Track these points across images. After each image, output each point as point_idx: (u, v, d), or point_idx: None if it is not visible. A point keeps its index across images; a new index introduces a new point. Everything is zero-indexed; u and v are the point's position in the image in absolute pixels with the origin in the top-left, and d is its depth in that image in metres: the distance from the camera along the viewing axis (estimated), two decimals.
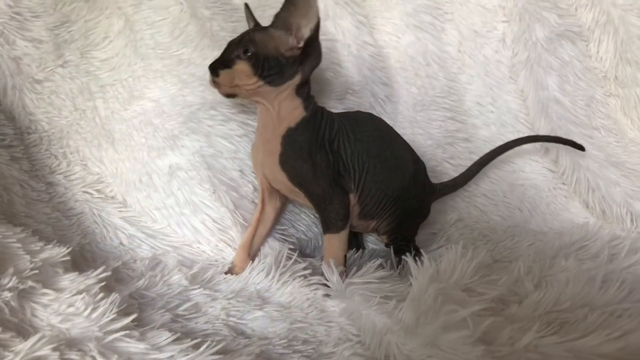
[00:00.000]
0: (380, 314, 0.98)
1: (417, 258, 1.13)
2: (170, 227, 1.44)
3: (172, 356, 0.85)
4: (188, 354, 0.85)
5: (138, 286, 1.15)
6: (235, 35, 1.29)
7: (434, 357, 0.85)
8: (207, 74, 1.26)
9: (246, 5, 1.39)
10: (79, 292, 0.96)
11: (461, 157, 1.72)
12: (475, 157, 1.60)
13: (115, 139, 1.48)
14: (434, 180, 1.56)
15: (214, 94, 1.47)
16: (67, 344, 0.83)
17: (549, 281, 1.13)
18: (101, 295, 0.97)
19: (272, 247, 1.40)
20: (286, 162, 1.23)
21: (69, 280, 1.01)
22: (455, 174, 1.60)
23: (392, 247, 1.37)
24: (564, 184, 1.74)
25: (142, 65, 1.51)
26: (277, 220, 1.42)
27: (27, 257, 1.01)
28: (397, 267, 1.32)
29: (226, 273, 1.30)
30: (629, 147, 1.74)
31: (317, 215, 1.49)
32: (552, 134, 1.66)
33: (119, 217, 1.44)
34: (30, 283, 0.94)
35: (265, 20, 1.32)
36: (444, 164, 1.71)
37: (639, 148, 1.74)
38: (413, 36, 1.74)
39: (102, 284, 1.02)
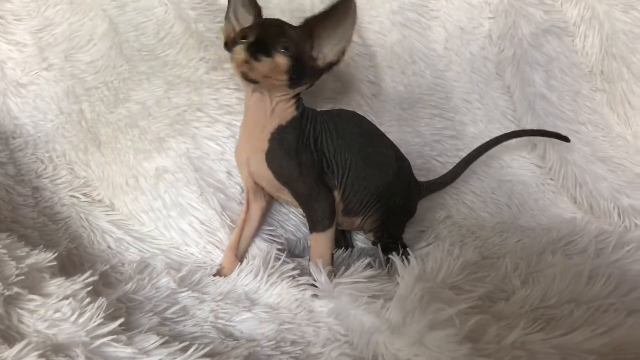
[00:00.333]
0: (368, 313, 0.98)
1: (404, 257, 1.13)
2: (157, 230, 1.43)
3: None
4: (176, 358, 0.85)
5: (126, 290, 1.14)
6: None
7: (420, 355, 0.85)
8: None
9: None
10: (66, 297, 0.95)
11: (449, 154, 1.72)
12: (463, 154, 1.60)
13: (101, 142, 1.48)
14: (423, 178, 1.56)
15: (200, 96, 1.47)
16: (53, 349, 0.83)
17: (536, 277, 1.13)
18: (88, 299, 0.96)
19: (260, 248, 1.39)
20: (273, 159, 1.23)
21: (56, 286, 1.00)
22: (444, 172, 1.60)
23: (379, 245, 1.37)
24: (551, 179, 1.75)
25: (127, 67, 1.51)
26: (263, 219, 1.42)
27: (13, 263, 1.00)
28: (386, 266, 1.33)
29: (214, 275, 1.30)
30: (615, 142, 1.76)
31: (304, 215, 1.49)
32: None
33: (106, 221, 1.43)
34: (16, 289, 0.94)
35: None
36: (432, 161, 1.72)
37: (625, 142, 1.75)
38: (399, 34, 1.74)
39: (89, 288, 1.01)
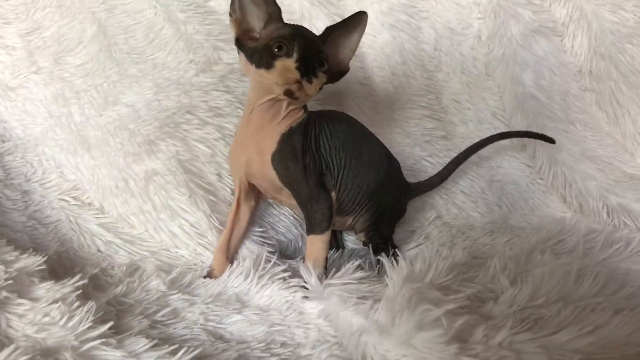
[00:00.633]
0: (357, 314, 0.98)
1: (393, 257, 1.13)
2: (147, 233, 1.43)
3: None
4: None
5: (116, 293, 1.14)
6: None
7: (409, 356, 0.85)
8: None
9: None
10: (55, 301, 0.96)
11: (439, 154, 1.72)
12: (454, 154, 1.60)
13: (90, 145, 1.48)
14: (413, 179, 1.57)
15: (189, 98, 1.47)
16: (42, 354, 0.83)
17: (525, 277, 1.13)
18: (77, 303, 0.96)
19: (251, 250, 1.39)
20: (279, 160, 1.23)
21: (45, 289, 1.00)
22: (434, 172, 1.60)
23: (370, 245, 1.37)
24: (541, 179, 1.75)
25: (116, 70, 1.51)
26: (252, 220, 1.41)
27: (2, 267, 1.01)
28: (376, 267, 1.33)
29: (205, 277, 1.30)
30: (604, 141, 1.77)
31: (299, 216, 1.50)
32: (529, 130, 1.68)
33: (96, 224, 1.43)
34: (4, 293, 0.94)
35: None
36: (422, 162, 1.72)
37: (614, 141, 1.76)
38: (389, 35, 1.75)
39: (79, 292, 1.01)
